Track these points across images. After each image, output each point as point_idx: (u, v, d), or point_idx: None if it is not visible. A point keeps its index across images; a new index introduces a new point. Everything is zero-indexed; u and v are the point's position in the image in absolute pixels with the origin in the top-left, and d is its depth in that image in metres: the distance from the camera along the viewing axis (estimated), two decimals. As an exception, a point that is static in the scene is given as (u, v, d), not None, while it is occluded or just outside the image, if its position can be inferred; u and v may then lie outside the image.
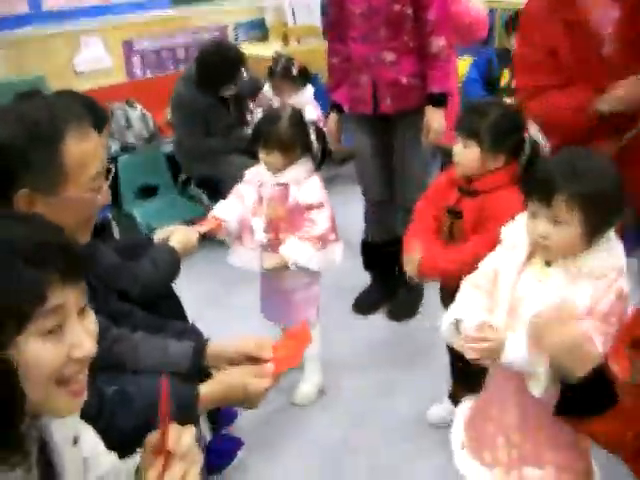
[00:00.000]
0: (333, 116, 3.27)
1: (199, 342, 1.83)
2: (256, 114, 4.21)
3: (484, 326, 1.68)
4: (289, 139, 2.51)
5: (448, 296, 2.38)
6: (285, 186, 2.57)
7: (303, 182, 2.57)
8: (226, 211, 2.59)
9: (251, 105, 4.30)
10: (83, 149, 1.52)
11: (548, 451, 1.75)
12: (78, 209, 1.55)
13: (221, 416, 2.53)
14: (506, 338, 1.64)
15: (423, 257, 2.26)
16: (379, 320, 3.44)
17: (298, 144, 2.54)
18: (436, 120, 2.94)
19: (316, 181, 2.60)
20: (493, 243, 2.00)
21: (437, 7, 2.84)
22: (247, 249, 2.65)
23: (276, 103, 4.13)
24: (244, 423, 2.66)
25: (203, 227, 2.44)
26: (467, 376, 2.49)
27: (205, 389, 1.63)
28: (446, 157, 3.97)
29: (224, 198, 3.00)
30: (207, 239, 2.55)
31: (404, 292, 3.48)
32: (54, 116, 1.51)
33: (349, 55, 3.07)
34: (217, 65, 3.87)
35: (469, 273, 2.06)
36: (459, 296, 1.84)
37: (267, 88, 4.38)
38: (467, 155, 2.17)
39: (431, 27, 2.85)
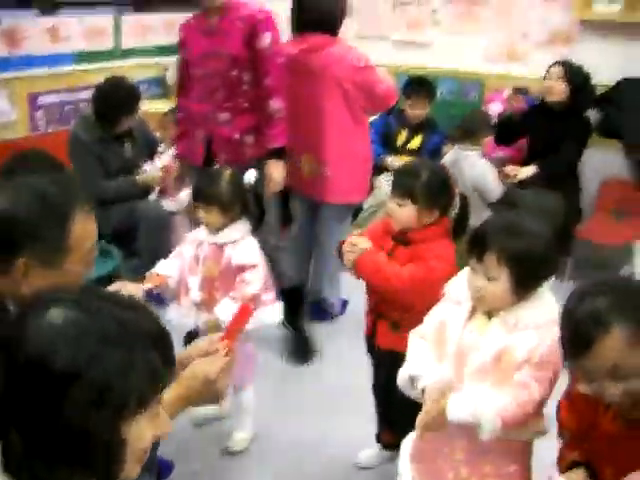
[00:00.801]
0: (178, 165, 3.67)
1: None
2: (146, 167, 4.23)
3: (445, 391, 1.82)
4: (228, 198, 2.59)
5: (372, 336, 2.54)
6: (220, 245, 2.64)
7: (239, 242, 2.64)
8: (167, 268, 2.65)
9: (146, 164, 4.30)
10: (86, 227, 1.58)
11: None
12: (70, 280, 1.58)
13: (159, 469, 2.56)
14: (447, 403, 1.79)
15: (369, 251, 2.37)
16: (307, 368, 3.56)
17: (237, 204, 2.62)
18: (275, 171, 3.27)
19: (252, 242, 2.67)
20: (426, 274, 2.23)
21: (275, 74, 3.18)
22: (183, 307, 2.70)
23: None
24: (178, 475, 2.68)
25: (148, 284, 2.51)
26: (393, 422, 2.66)
27: (167, 395, 1.66)
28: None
29: (137, 250, 3.05)
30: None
31: (295, 338, 3.65)
32: (66, 195, 1.56)
33: (189, 111, 3.42)
34: (113, 95, 3.93)
35: (402, 293, 2.26)
36: (410, 350, 1.98)
37: (163, 147, 4.39)
38: (403, 213, 2.33)
39: (269, 91, 3.20)
